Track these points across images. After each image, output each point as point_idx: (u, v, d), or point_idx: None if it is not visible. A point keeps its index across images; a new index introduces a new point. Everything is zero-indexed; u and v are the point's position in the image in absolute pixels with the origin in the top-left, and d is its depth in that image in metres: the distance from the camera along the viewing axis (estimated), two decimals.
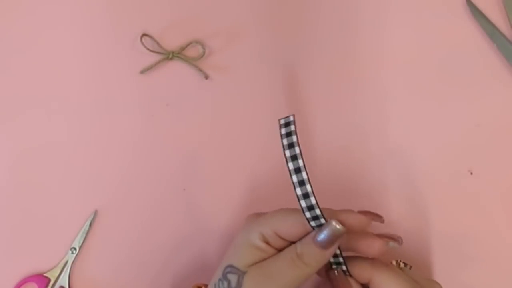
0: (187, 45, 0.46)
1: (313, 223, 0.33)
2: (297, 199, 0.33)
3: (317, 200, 0.33)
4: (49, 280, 0.44)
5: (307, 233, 0.34)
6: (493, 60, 0.46)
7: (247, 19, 0.47)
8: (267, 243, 0.35)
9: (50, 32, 0.47)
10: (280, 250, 0.35)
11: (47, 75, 0.46)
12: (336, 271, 0.36)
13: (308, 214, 0.33)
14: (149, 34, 0.46)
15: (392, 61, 0.46)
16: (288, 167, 0.32)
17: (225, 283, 0.34)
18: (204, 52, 0.46)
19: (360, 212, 0.37)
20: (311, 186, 0.32)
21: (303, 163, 0.32)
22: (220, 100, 0.46)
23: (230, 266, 0.35)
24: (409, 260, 0.39)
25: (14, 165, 0.45)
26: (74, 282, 0.44)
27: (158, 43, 0.46)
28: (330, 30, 0.47)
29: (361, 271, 0.36)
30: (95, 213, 0.45)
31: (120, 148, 0.46)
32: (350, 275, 0.36)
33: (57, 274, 0.44)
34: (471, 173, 0.45)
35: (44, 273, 0.44)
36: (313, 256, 0.34)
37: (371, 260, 0.37)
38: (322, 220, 0.33)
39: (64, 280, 0.44)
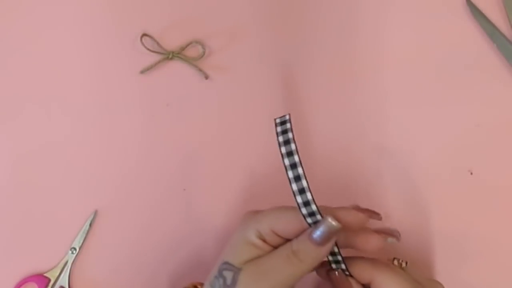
0: (187, 45, 0.46)
1: (309, 220, 0.33)
2: (293, 195, 0.32)
3: (314, 196, 0.32)
4: (49, 280, 0.44)
5: (304, 231, 0.34)
6: (493, 60, 0.46)
7: (247, 19, 0.47)
8: (264, 240, 0.35)
9: (50, 32, 0.47)
10: (276, 247, 0.35)
11: (47, 75, 0.46)
12: (336, 272, 0.36)
13: (304, 210, 0.33)
14: (149, 34, 0.46)
15: (392, 61, 0.46)
16: (284, 163, 0.32)
17: (221, 280, 0.34)
18: (204, 52, 0.46)
19: (358, 210, 0.37)
20: (307, 182, 0.32)
21: (299, 159, 0.32)
22: (220, 100, 0.46)
23: (226, 263, 0.35)
24: (408, 259, 0.39)
25: (14, 165, 0.45)
26: (74, 282, 0.44)
27: (158, 43, 0.46)
28: (330, 30, 0.47)
29: (362, 271, 0.36)
30: (95, 213, 0.45)
31: (120, 148, 0.46)
32: (351, 276, 0.36)
33: (57, 274, 0.44)
34: (471, 173, 0.45)
35: (44, 273, 0.44)
36: (309, 253, 0.33)
37: (372, 260, 0.36)
38: (319, 217, 0.33)
39: (64, 280, 0.44)
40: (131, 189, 0.45)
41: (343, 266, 0.36)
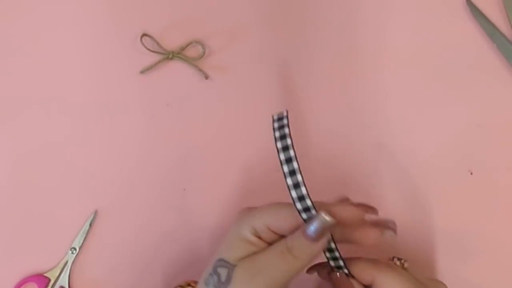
0: (187, 45, 0.46)
1: (304, 215, 0.33)
2: (288, 190, 0.32)
3: (310, 192, 0.32)
4: (49, 280, 0.44)
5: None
6: (493, 60, 0.46)
7: (247, 19, 0.47)
8: (259, 237, 0.34)
9: (50, 32, 0.47)
10: (272, 244, 0.34)
11: (47, 75, 0.46)
12: (338, 273, 0.36)
13: (299, 205, 0.32)
14: (149, 34, 0.46)
15: (392, 60, 0.46)
16: (280, 158, 0.32)
17: (215, 277, 0.34)
18: (204, 52, 0.46)
19: (353, 204, 0.36)
20: (302, 176, 0.32)
21: (294, 153, 0.32)
22: (220, 100, 0.46)
23: (221, 259, 0.34)
24: (408, 257, 0.39)
25: (14, 165, 0.45)
26: (74, 282, 0.44)
27: (158, 43, 0.46)
28: (330, 30, 0.47)
29: (363, 272, 0.35)
30: (95, 213, 0.45)
31: (120, 148, 0.46)
32: (353, 277, 0.36)
33: (57, 274, 0.44)
34: (471, 173, 0.45)
35: (44, 273, 0.44)
36: (303, 249, 0.33)
37: (373, 260, 0.36)
38: (314, 212, 0.33)
39: (64, 280, 0.44)
40: (131, 189, 0.45)
41: (342, 265, 0.36)
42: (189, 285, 0.41)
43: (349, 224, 0.35)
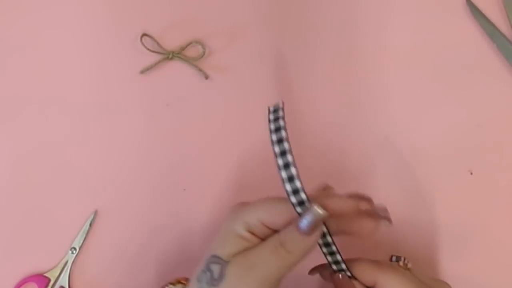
0: (187, 45, 0.46)
1: (298, 209, 0.32)
2: (282, 183, 0.32)
3: (303, 185, 0.31)
4: (49, 280, 0.44)
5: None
6: (493, 60, 0.46)
7: (247, 19, 0.47)
8: (252, 232, 0.34)
9: (50, 32, 0.47)
10: (265, 239, 0.34)
11: (47, 75, 0.46)
12: (340, 275, 0.35)
13: (293, 199, 0.32)
14: (149, 34, 0.46)
15: (392, 60, 0.46)
16: (274, 151, 0.32)
17: (208, 274, 0.33)
18: (204, 52, 0.46)
19: (347, 195, 0.36)
20: (296, 169, 0.31)
21: (289, 146, 0.31)
22: (220, 100, 0.46)
23: (214, 256, 0.34)
24: (408, 257, 0.39)
25: (14, 165, 0.45)
26: (74, 282, 0.44)
27: (158, 43, 0.46)
28: (330, 30, 0.47)
29: (365, 273, 0.35)
30: (95, 213, 0.45)
31: (120, 148, 0.46)
32: (355, 278, 0.35)
33: (57, 274, 0.44)
34: (471, 173, 0.45)
35: (44, 273, 0.44)
36: (296, 243, 0.32)
37: (375, 261, 0.36)
38: (308, 206, 0.32)
39: (64, 280, 0.44)
40: (131, 189, 0.45)
41: (344, 268, 0.35)
42: (179, 282, 0.40)
43: (344, 216, 0.34)
